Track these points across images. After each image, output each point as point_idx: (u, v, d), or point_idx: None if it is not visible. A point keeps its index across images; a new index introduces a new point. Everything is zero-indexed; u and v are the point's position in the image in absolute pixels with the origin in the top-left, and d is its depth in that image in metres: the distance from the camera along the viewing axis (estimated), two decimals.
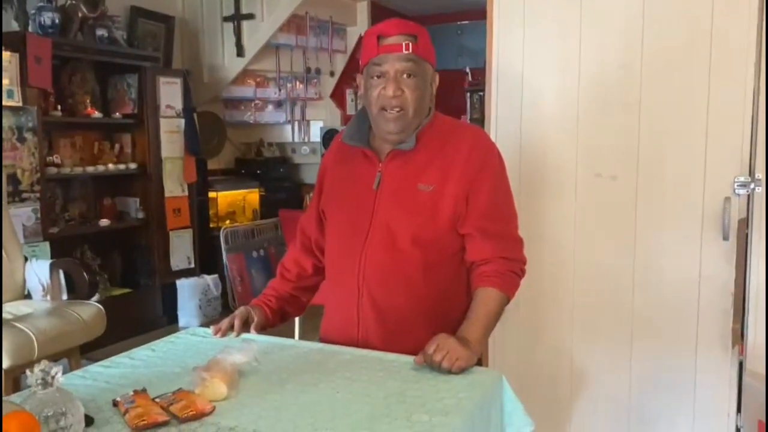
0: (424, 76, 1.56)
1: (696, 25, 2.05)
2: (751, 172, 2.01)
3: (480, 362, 1.51)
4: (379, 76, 1.54)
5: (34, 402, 1.05)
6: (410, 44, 1.52)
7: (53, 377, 1.06)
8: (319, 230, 1.76)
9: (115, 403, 1.23)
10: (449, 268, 1.61)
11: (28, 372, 1.05)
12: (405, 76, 1.53)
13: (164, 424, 1.16)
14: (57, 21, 3.96)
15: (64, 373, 1.11)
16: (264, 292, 1.79)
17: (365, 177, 1.62)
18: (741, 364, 2.07)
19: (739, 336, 2.07)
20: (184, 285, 4.70)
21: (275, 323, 1.75)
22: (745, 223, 2.03)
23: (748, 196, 2.02)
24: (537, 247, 2.25)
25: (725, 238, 2.04)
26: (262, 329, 1.68)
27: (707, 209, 2.08)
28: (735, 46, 2.00)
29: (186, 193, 4.78)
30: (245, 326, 1.65)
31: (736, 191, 2.03)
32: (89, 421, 1.15)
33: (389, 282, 1.57)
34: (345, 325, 1.63)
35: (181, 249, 4.76)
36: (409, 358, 1.45)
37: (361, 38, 1.61)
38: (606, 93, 2.18)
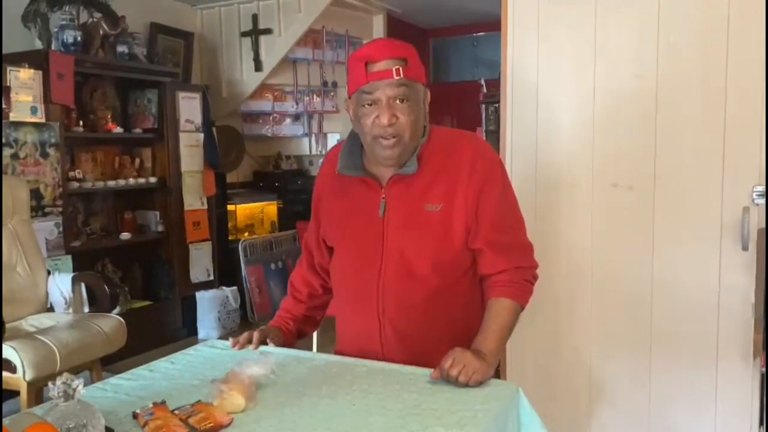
0: (417, 98, 1.51)
1: (712, 33, 2.04)
2: None
3: (498, 374, 1.51)
4: (370, 104, 1.48)
5: (56, 414, 1.07)
6: (400, 69, 1.45)
7: (75, 389, 1.08)
8: (319, 252, 1.76)
9: (135, 416, 1.25)
10: (465, 284, 1.60)
11: (50, 384, 1.07)
12: (398, 101, 1.47)
13: None
14: (79, 39, 4.03)
15: (85, 385, 1.13)
16: (279, 314, 1.79)
17: (368, 205, 1.58)
18: (763, 376, 2.04)
19: (761, 347, 2.04)
20: (203, 297, 4.74)
21: (293, 343, 1.75)
22: (764, 233, 2.01)
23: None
24: (554, 258, 2.25)
25: (744, 248, 2.02)
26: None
27: (726, 219, 2.06)
28: (751, 54, 1.99)
29: (205, 206, 4.82)
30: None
31: (755, 201, 2.01)
32: None
33: (410, 311, 1.55)
34: (368, 354, 1.59)
35: (201, 261, 4.81)
36: (426, 371, 1.44)
37: None
38: (621, 102, 2.18)
